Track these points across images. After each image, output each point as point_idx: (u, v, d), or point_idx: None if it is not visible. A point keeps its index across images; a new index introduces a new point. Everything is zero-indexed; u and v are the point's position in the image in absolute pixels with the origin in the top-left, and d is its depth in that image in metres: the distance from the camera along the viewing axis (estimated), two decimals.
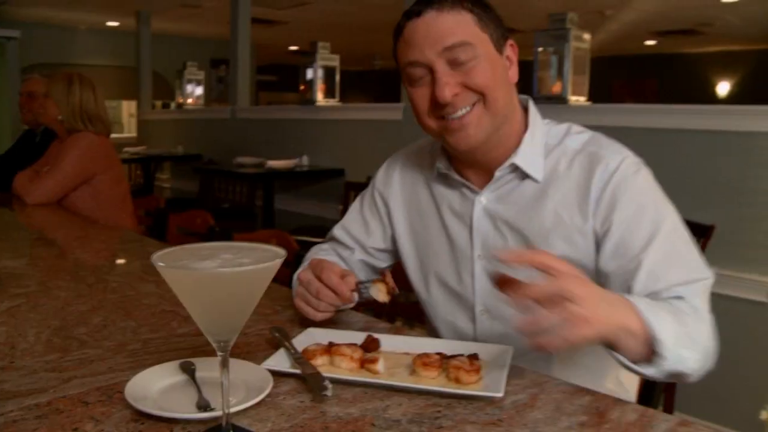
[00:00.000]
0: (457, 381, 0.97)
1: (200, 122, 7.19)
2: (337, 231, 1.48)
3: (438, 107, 1.17)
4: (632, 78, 12.79)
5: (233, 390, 0.88)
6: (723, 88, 11.99)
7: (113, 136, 3.10)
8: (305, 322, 1.24)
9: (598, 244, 1.18)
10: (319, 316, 1.21)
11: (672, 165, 3.07)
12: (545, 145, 1.24)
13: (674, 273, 1.10)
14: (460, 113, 1.16)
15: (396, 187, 1.42)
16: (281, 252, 0.76)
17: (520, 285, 0.90)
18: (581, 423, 0.87)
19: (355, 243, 1.44)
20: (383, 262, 1.46)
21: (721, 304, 3.00)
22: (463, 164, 1.29)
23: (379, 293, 1.17)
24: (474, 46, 1.14)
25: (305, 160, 5.28)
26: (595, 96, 4.06)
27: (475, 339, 1.30)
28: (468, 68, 1.14)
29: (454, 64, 1.14)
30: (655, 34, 10.22)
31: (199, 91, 7.63)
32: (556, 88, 3.69)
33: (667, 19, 8.73)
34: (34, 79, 3.87)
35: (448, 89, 1.13)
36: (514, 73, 1.22)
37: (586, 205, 1.18)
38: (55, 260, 1.87)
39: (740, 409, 2.89)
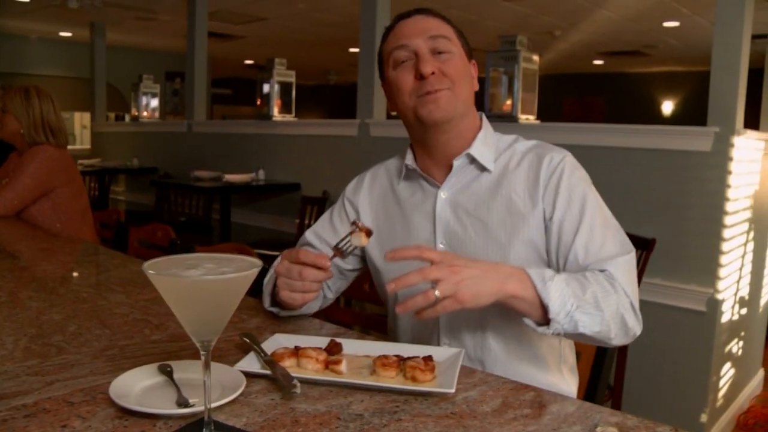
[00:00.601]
0: (414, 379, 1.05)
1: (156, 135, 7.17)
2: (308, 234, 1.59)
3: (417, 85, 1.36)
4: (581, 95, 13.14)
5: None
6: (667, 106, 12.39)
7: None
8: (271, 329, 1.32)
9: (546, 226, 1.34)
10: (309, 297, 1.31)
11: (616, 181, 3.22)
12: (496, 147, 1.43)
13: (601, 249, 1.29)
14: (435, 88, 1.35)
15: (365, 194, 1.55)
16: (257, 262, 0.85)
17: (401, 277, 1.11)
18: (525, 415, 0.97)
19: (324, 245, 1.53)
20: (349, 264, 1.55)
21: (663, 314, 3.17)
22: (427, 158, 1.44)
23: (360, 239, 1.27)
24: (452, 43, 1.38)
25: (262, 174, 5.33)
26: (546, 112, 4.24)
27: (439, 326, 1.41)
28: (445, 58, 1.36)
29: (435, 52, 1.36)
30: (602, 55, 10.55)
31: (154, 103, 7.60)
32: (507, 106, 3.84)
33: (613, 41, 9.04)
34: None
35: (429, 65, 1.34)
36: (475, 84, 1.44)
37: (536, 193, 1.35)
38: (21, 272, 1.90)
39: (682, 412, 3.04)
